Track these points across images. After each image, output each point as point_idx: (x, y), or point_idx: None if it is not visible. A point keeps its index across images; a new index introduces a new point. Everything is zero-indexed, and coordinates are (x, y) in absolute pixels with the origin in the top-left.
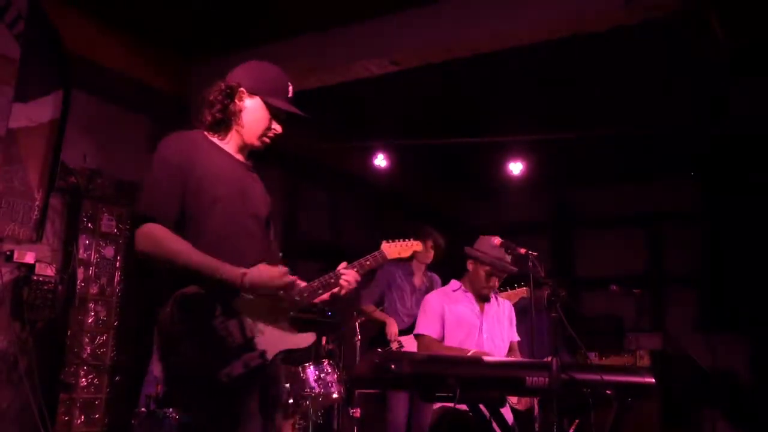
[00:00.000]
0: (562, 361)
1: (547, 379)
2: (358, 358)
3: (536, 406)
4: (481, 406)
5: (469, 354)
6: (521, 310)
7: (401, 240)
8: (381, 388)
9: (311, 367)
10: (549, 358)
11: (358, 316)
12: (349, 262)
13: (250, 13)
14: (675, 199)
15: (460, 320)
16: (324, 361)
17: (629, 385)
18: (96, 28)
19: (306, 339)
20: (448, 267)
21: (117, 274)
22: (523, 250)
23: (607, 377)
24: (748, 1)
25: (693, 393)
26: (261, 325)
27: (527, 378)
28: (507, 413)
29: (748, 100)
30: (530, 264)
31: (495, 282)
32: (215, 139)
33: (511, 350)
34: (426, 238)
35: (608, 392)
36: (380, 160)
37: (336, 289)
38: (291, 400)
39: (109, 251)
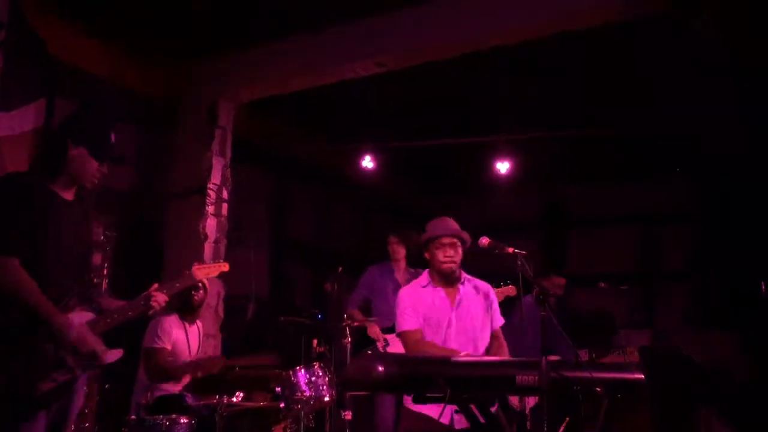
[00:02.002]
0: (564, 358)
1: (536, 378)
2: (348, 361)
3: (527, 405)
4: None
5: (461, 354)
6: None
7: (211, 263)
8: (371, 390)
9: (302, 370)
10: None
11: (347, 320)
12: (336, 264)
13: (234, 17)
14: (666, 197)
15: (428, 318)
16: (315, 364)
17: (618, 382)
18: (81, 36)
19: (114, 354)
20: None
21: (104, 281)
22: (510, 250)
23: (596, 374)
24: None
25: (683, 388)
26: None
27: (517, 376)
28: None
29: (740, 98)
30: (519, 263)
31: (450, 251)
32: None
33: (494, 338)
34: (391, 235)
35: (598, 389)
36: (367, 162)
37: (147, 311)
38: (282, 404)
39: (96, 259)
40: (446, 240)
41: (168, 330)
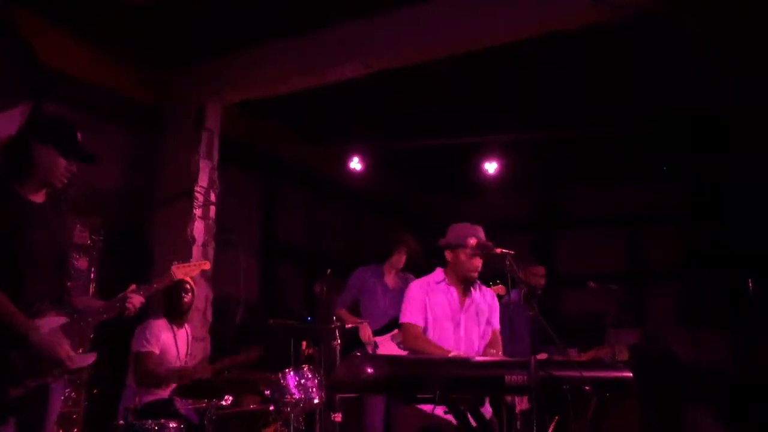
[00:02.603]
0: (551, 357)
1: (525, 377)
2: (337, 363)
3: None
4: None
5: (450, 355)
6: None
7: (190, 262)
8: (360, 391)
9: (291, 373)
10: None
11: (336, 321)
12: (326, 265)
13: (222, 20)
14: (656, 198)
15: (437, 315)
16: (304, 367)
17: (607, 381)
18: (68, 40)
19: (87, 359)
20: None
21: (92, 285)
22: (498, 250)
23: (585, 373)
24: (719, 3)
25: (674, 387)
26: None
27: (506, 376)
28: (487, 411)
29: (727, 99)
30: (507, 263)
31: (478, 262)
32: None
33: (492, 340)
34: (401, 243)
35: (587, 388)
36: (355, 164)
37: (123, 312)
38: (272, 407)
39: (82, 263)
40: (476, 250)
41: (156, 334)
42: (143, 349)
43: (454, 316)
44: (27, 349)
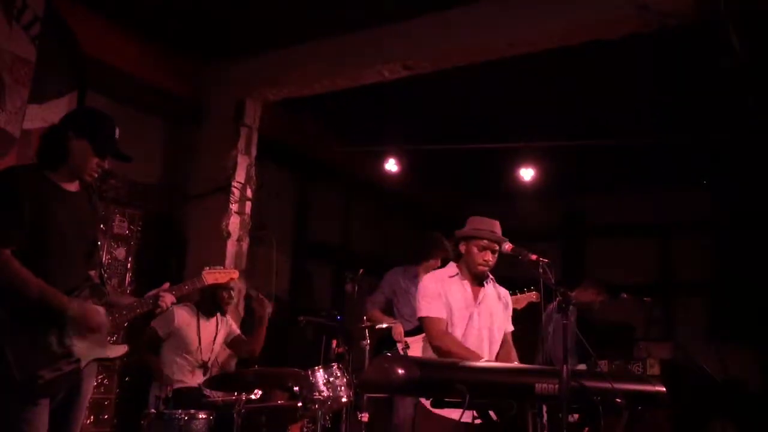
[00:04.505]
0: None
1: (556, 386)
2: (366, 362)
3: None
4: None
5: (482, 360)
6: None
7: (221, 268)
8: (390, 392)
9: (320, 370)
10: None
11: (367, 322)
12: (356, 266)
13: (263, 17)
14: (686, 208)
15: (451, 309)
16: (333, 365)
17: (640, 394)
18: (112, 31)
19: (117, 350)
20: None
21: (128, 275)
22: (534, 257)
23: (617, 385)
24: (763, 14)
25: (703, 403)
26: (79, 337)
27: (537, 385)
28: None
29: (763, 109)
30: (541, 270)
31: (489, 256)
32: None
33: (504, 341)
34: (440, 249)
35: (618, 401)
36: (391, 165)
37: (155, 309)
38: (300, 404)
39: (120, 252)
40: (488, 244)
41: (168, 318)
42: (153, 325)
43: (467, 309)
44: (62, 325)
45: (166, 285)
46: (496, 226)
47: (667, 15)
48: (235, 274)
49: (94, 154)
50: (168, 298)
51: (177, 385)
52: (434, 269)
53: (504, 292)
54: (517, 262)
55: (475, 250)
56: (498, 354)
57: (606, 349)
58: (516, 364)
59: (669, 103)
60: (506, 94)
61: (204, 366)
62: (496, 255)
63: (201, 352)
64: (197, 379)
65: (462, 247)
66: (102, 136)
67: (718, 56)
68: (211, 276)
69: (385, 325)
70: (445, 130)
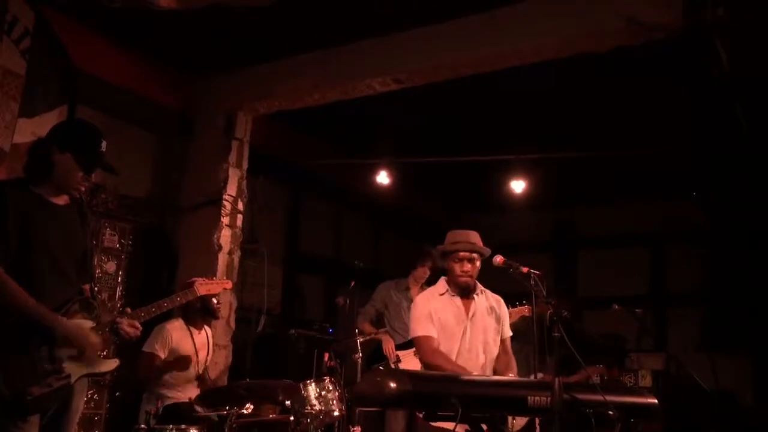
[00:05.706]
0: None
1: (549, 399)
2: (359, 376)
3: (537, 426)
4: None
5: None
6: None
7: (214, 278)
8: (382, 406)
9: (312, 384)
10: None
11: (359, 335)
12: (348, 277)
13: (254, 30)
14: (678, 219)
15: (443, 325)
16: (325, 379)
17: (632, 406)
18: (102, 45)
19: (109, 365)
20: None
21: (119, 288)
22: (525, 269)
23: (609, 397)
24: (751, 26)
25: (695, 414)
26: (70, 353)
27: (529, 397)
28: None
29: (751, 120)
30: (532, 283)
31: (467, 267)
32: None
33: (502, 350)
34: (425, 257)
35: (611, 413)
36: (383, 178)
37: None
38: (292, 418)
39: (111, 266)
40: (464, 254)
41: (166, 338)
42: (147, 350)
43: (459, 325)
44: (53, 341)
45: (128, 310)
46: (473, 236)
47: (654, 28)
48: (228, 284)
49: (78, 168)
50: (132, 331)
51: (169, 402)
52: (423, 278)
53: (496, 298)
54: (508, 275)
55: (452, 263)
56: (497, 365)
57: (596, 360)
58: (511, 376)
59: (658, 114)
60: (497, 107)
61: (199, 378)
62: (477, 263)
63: (198, 365)
64: (191, 392)
65: (445, 265)
66: (87, 149)
67: (707, 67)
68: (204, 287)
69: (370, 336)
70: (437, 143)
